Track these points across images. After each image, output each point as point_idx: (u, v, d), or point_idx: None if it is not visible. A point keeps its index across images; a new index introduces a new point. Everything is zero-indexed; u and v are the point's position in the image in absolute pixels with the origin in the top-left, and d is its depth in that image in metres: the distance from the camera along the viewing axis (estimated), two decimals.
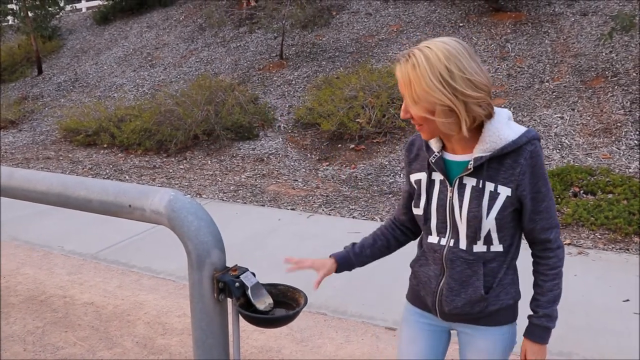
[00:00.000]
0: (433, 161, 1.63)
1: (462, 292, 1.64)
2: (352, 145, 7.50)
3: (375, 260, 1.93)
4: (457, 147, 1.61)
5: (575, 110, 6.87)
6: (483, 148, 1.54)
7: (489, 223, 1.57)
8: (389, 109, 7.57)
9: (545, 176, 1.57)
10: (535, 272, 1.68)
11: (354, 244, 1.90)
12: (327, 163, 7.27)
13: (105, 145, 8.97)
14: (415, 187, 1.71)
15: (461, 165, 1.60)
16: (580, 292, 3.75)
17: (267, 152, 7.82)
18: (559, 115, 6.87)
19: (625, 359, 3.04)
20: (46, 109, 11.34)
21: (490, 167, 1.55)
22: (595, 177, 5.55)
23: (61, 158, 8.73)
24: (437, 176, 1.65)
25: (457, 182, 1.60)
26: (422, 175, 1.69)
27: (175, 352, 3.25)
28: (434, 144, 1.65)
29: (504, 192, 1.55)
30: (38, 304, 3.90)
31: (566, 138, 6.44)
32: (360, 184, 6.52)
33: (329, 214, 5.66)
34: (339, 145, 7.61)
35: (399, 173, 6.62)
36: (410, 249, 1.98)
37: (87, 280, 4.30)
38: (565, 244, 4.60)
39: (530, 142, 1.53)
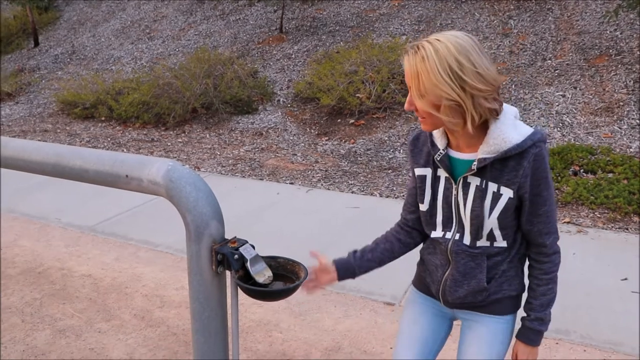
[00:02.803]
0: (438, 159, 1.61)
1: (465, 284, 1.65)
2: (352, 120, 7.44)
3: (382, 267, 1.87)
4: (463, 145, 1.58)
5: (578, 89, 6.81)
6: (487, 150, 1.51)
7: (491, 222, 1.57)
8: (390, 84, 7.50)
9: (548, 180, 1.53)
10: (530, 276, 1.67)
11: (355, 250, 1.87)
12: (327, 138, 7.23)
13: (103, 118, 8.89)
14: (419, 182, 1.69)
15: (466, 163, 1.58)
16: (579, 270, 3.75)
17: (266, 126, 7.76)
18: (560, 93, 6.81)
19: (623, 337, 3.04)
20: (43, 81, 11.23)
21: (494, 167, 1.53)
22: (595, 156, 5.52)
23: (58, 131, 8.67)
24: (443, 173, 1.64)
25: (461, 180, 1.58)
26: (427, 171, 1.67)
27: (173, 325, 3.25)
28: (439, 141, 1.62)
29: (507, 193, 1.54)
30: (36, 276, 3.89)
31: (567, 116, 6.40)
32: (359, 159, 6.48)
33: (328, 189, 5.64)
34: (339, 120, 7.56)
35: (399, 149, 6.58)
36: None
37: (85, 252, 4.29)
38: (565, 222, 4.59)
39: (536, 144, 1.49)
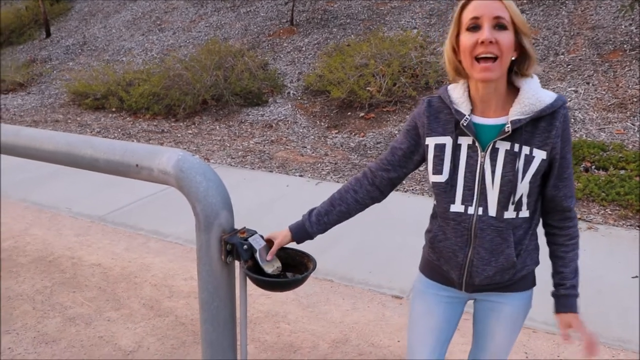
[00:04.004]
0: (465, 124, 1.54)
1: (493, 261, 1.60)
2: (362, 114, 7.42)
3: (337, 225, 1.78)
4: (490, 109, 1.54)
5: (590, 84, 6.75)
6: (521, 110, 1.49)
7: (523, 187, 1.52)
8: (400, 77, 7.47)
9: (571, 143, 1.54)
10: (553, 244, 1.64)
11: (311, 211, 1.77)
12: (337, 131, 7.22)
13: (113, 109, 8.93)
14: (434, 151, 1.61)
15: (493, 128, 1.54)
16: (589, 267, 3.73)
17: (276, 119, 7.76)
18: (573, 88, 6.76)
19: (633, 335, 3.03)
20: (54, 72, 11.28)
21: (525, 130, 1.51)
22: (607, 152, 5.48)
23: (69, 121, 8.71)
24: (465, 140, 1.57)
25: (490, 146, 1.52)
26: (446, 140, 1.59)
27: (182, 315, 3.27)
28: (464, 106, 1.56)
29: (539, 155, 1.51)
30: (47, 264, 3.92)
31: (579, 112, 6.35)
32: (369, 152, 6.47)
33: (337, 182, 5.63)
34: (349, 113, 7.54)
35: None
36: (427, 218, 1.93)
37: (95, 242, 4.31)
38: None
39: (563, 106, 1.50)
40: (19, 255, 4.06)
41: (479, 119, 1.55)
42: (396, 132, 6.86)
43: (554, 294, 1.67)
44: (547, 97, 1.50)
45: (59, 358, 2.86)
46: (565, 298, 1.64)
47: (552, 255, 1.66)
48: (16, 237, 4.38)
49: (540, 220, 1.68)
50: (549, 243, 1.66)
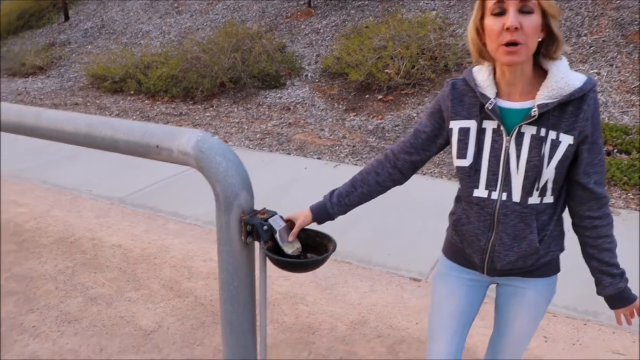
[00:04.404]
0: (490, 108, 1.51)
1: (516, 247, 1.58)
2: (380, 96, 7.37)
3: (358, 207, 1.79)
4: (516, 93, 1.51)
5: (614, 66, 6.62)
6: (549, 94, 1.45)
7: (548, 173, 1.49)
8: (419, 60, 7.39)
9: (601, 128, 1.49)
10: (597, 238, 1.59)
11: (332, 192, 1.77)
12: (354, 113, 7.18)
13: (132, 92, 8.97)
14: (458, 135, 1.58)
15: (519, 112, 1.51)
16: None
17: (293, 101, 7.74)
18: (595, 70, 6.64)
19: None
20: (73, 55, 11.34)
21: (552, 114, 1.47)
22: (630, 136, 5.38)
23: (89, 104, 8.77)
24: (490, 124, 1.54)
25: (515, 130, 1.49)
26: (471, 123, 1.56)
27: (201, 295, 3.29)
28: (489, 90, 1.53)
29: (566, 140, 1.47)
30: (68, 245, 3.97)
31: (602, 95, 6.24)
32: (387, 135, 6.43)
33: (355, 164, 5.62)
34: (367, 96, 7.49)
35: None
36: (446, 201, 1.91)
37: (115, 223, 4.36)
38: None
39: (593, 89, 1.46)
40: (41, 236, 4.12)
41: (504, 103, 1.52)
42: (414, 115, 6.81)
43: (614, 289, 1.61)
44: (576, 80, 1.45)
45: (81, 336, 2.90)
46: (624, 291, 1.62)
47: (597, 249, 1.60)
48: (38, 219, 4.44)
49: (574, 216, 1.63)
50: (588, 237, 1.60)
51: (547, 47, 1.47)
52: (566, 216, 1.64)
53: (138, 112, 8.04)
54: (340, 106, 7.43)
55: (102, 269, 3.62)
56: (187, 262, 3.71)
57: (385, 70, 7.34)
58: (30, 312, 3.13)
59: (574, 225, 1.63)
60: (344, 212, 1.75)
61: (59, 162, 5.93)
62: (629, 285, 1.64)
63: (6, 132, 1.73)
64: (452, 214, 1.75)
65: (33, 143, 6.56)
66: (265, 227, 1.38)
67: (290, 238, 1.51)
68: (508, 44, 1.39)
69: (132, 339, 2.89)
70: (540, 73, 1.51)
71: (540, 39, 1.43)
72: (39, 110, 1.69)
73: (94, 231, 4.21)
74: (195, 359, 2.73)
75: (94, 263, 3.70)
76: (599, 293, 1.66)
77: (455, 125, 1.60)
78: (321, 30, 9.29)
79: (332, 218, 1.74)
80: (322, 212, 1.73)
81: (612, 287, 1.61)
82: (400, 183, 1.77)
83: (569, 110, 1.46)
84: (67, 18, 13.16)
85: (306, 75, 8.33)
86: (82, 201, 4.84)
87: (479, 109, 1.55)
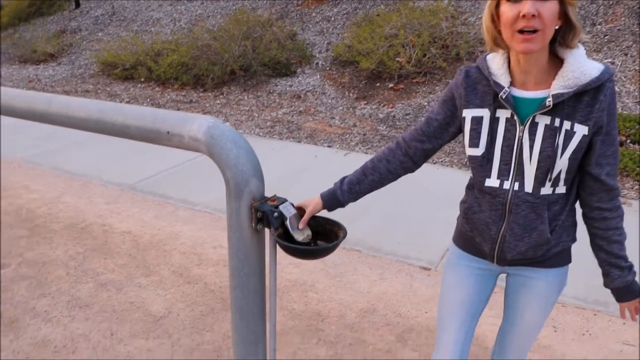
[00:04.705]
0: (504, 97, 1.49)
1: (526, 237, 1.57)
2: (391, 85, 7.34)
3: (369, 194, 1.77)
4: (531, 82, 1.48)
5: (629, 56, 6.54)
6: (564, 84, 1.42)
7: (562, 163, 1.47)
8: (430, 48, 7.34)
9: (616, 119, 1.46)
10: (607, 229, 1.57)
11: (343, 179, 1.76)
12: (365, 102, 7.15)
13: (142, 79, 8.98)
14: (470, 124, 1.57)
15: (533, 102, 1.48)
16: None
17: (304, 89, 7.72)
18: (609, 60, 6.56)
19: None
20: (84, 42, 11.36)
21: (567, 104, 1.44)
22: None
23: (99, 91, 8.79)
24: (503, 113, 1.52)
25: (529, 120, 1.47)
26: (484, 112, 1.54)
27: (211, 282, 3.31)
28: (503, 78, 1.50)
29: (581, 130, 1.44)
30: (78, 231, 3.99)
31: (616, 84, 6.17)
32: (398, 123, 6.41)
33: (366, 153, 5.60)
34: (378, 84, 7.46)
35: None
36: (456, 190, 1.90)
37: (125, 210, 4.38)
38: None
39: (610, 79, 1.43)
40: (52, 222, 4.14)
41: (518, 92, 1.50)
42: (425, 103, 6.78)
43: (622, 281, 1.60)
44: (593, 69, 1.42)
45: (92, 321, 2.93)
46: (636, 284, 1.60)
47: (606, 240, 1.58)
48: (49, 205, 4.47)
49: (584, 206, 1.61)
50: (597, 229, 1.58)
51: (563, 35, 1.44)
52: (577, 207, 1.63)
53: (148, 100, 8.05)
54: (351, 94, 7.40)
55: (112, 255, 3.64)
56: (197, 248, 3.73)
57: (397, 59, 7.29)
58: (42, 297, 3.16)
59: (583, 215, 1.62)
60: (355, 199, 1.75)
61: (70, 148, 5.95)
62: (637, 278, 1.63)
63: (18, 118, 1.74)
64: (463, 202, 1.74)
65: (42, 130, 6.60)
66: (275, 214, 1.38)
67: (301, 225, 1.51)
68: (524, 31, 1.36)
69: (142, 325, 2.91)
70: (556, 62, 1.48)
71: (557, 27, 1.41)
72: (50, 97, 1.69)
73: (105, 217, 4.23)
74: (204, 344, 2.75)
75: (104, 249, 3.72)
76: (606, 285, 1.65)
77: (468, 114, 1.58)
78: (332, 18, 9.24)
79: (342, 205, 1.74)
80: (333, 199, 1.73)
81: (620, 280, 1.60)
82: (412, 171, 1.76)
83: (584, 100, 1.43)
84: (77, 5, 13.18)
85: (317, 64, 8.30)
86: (93, 187, 4.87)
87: (493, 97, 1.53)
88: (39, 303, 3.10)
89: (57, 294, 3.20)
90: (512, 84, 1.51)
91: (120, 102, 8.03)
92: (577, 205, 1.64)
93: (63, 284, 3.29)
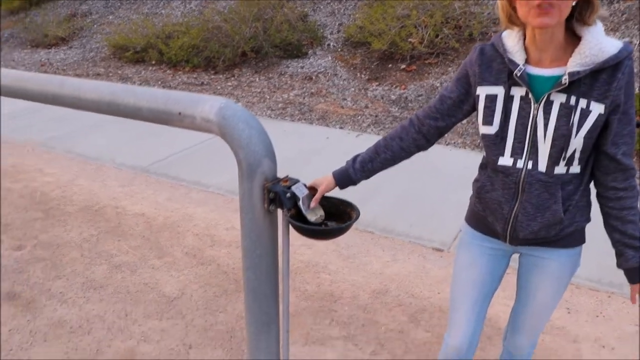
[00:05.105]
0: (519, 74, 1.47)
1: (539, 217, 1.55)
2: (403, 66, 7.28)
3: (381, 172, 1.75)
4: (546, 59, 1.45)
5: None
6: (581, 61, 1.39)
7: (576, 142, 1.45)
8: (443, 28, 7.26)
9: (634, 97, 1.43)
10: (622, 209, 1.54)
11: (355, 157, 1.75)
12: (377, 83, 7.11)
13: (153, 62, 8.97)
14: (484, 102, 1.55)
15: (548, 80, 1.46)
16: None
17: (315, 71, 7.68)
18: (627, 39, 6.45)
19: None
20: (95, 26, 11.35)
21: (583, 82, 1.41)
22: None
23: (111, 74, 8.80)
24: (518, 91, 1.50)
25: (544, 98, 1.45)
26: (498, 90, 1.52)
27: (223, 264, 3.33)
28: (518, 55, 1.48)
29: (597, 109, 1.42)
30: (92, 213, 4.02)
31: (634, 64, 6.07)
32: (410, 104, 6.37)
33: (378, 134, 5.58)
34: (390, 65, 7.40)
35: None
36: (469, 171, 1.88)
37: (138, 192, 4.40)
38: None
39: (629, 57, 1.39)
40: (66, 204, 4.18)
41: (533, 69, 1.48)
42: (438, 85, 6.72)
43: (636, 262, 1.57)
44: (611, 47, 1.39)
45: (106, 303, 2.96)
46: None
47: (621, 220, 1.55)
48: (63, 188, 4.50)
49: (598, 186, 1.58)
50: (612, 209, 1.55)
51: (581, 12, 1.41)
52: (592, 187, 1.61)
53: (160, 82, 8.05)
54: (363, 76, 7.36)
55: (125, 237, 3.67)
56: (210, 230, 3.74)
57: (409, 40, 7.22)
58: (57, 279, 3.19)
59: (598, 195, 1.59)
60: (367, 177, 1.74)
61: (83, 131, 5.98)
62: None
63: (31, 101, 1.75)
64: (476, 181, 1.73)
65: (55, 113, 6.62)
66: (288, 195, 1.37)
67: (312, 204, 1.51)
68: (540, 5, 1.33)
69: (156, 306, 2.94)
70: (573, 39, 1.45)
71: (574, 3, 1.37)
72: (62, 79, 1.69)
73: (118, 200, 4.25)
74: (218, 325, 2.77)
75: (117, 231, 3.75)
76: (619, 266, 1.63)
77: (482, 92, 1.56)
78: None
79: (354, 183, 1.73)
80: (345, 178, 1.72)
81: (634, 260, 1.58)
82: (425, 149, 1.75)
83: (601, 78, 1.40)
84: None
85: (328, 45, 8.24)
86: (106, 170, 4.89)
87: (507, 75, 1.51)
88: (54, 285, 3.13)
89: (71, 275, 3.23)
90: (527, 61, 1.49)
91: (132, 84, 8.03)
92: (592, 185, 1.62)
93: (78, 266, 3.33)
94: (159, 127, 5.90)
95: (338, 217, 1.56)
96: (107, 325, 2.78)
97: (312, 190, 1.62)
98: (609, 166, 1.51)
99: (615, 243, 1.60)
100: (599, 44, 1.39)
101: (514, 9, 1.44)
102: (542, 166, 1.50)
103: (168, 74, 8.47)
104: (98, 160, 5.13)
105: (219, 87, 7.62)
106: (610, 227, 1.59)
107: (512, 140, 1.53)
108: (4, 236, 3.67)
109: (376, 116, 6.08)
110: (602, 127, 1.47)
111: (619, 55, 1.38)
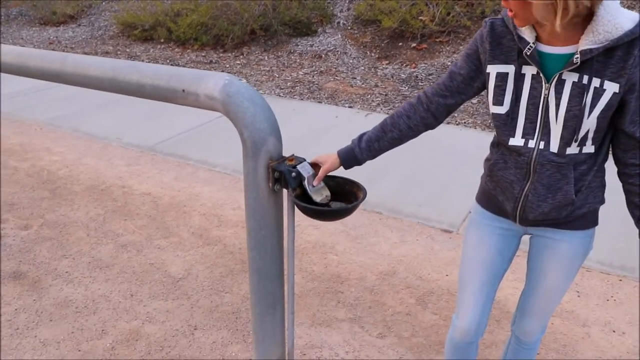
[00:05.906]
0: (528, 53, 1.41)
1: (550, 198, 1.50)
2: (414, 44, 7.17)
3: (388, 151, 1.69)
4: (556, 37, 1.38)
5: None
6: (594, 39, 1.31)
7: (589, 123, 1.39)
8: (454, 6, 7.14)
9: None
10: (636, 185, 1.47)
11: (361, 136, 1.69)
12: (387, 61, 7.02)
13: (162, 40, 8.90)
14: (495, 80, 1.49)
15: (560, 58, 1.39)
16: None
17: (325, 49, 7.59)
18: None
19: None
20: (103, 3, 11.27)
21: (596, 60, 1.34)
22: None
23: (119, 52, 8.75)
24: (529, 70, 1.43)
25: (556, 77, 1.39)
26: (509, 68, 1.47)
27: (230, 244, 3.30)
28: (528, 33, 1.41)
29: (611, 88, 1.35)
30: (99, 192, 4.01)
31: None
32: (420, 84, 6.28)
33: (387, 113, 5.51)
34: (400, 44, 7.30)
35: None
36: (479, 152, 1.83)
37: (145, 171, 4.38)
38: None
39: None
40: (73, 183, 4.16)
41: (544, 47, 1.41)
42: (449, 63, 6.62)
43: None
44: (627, 21, 1.30)
45: (112, 282, 2.95)
46: None
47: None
48: (70, 167, 4.48)
49: (618, 163, 1.51)
50: (632, 185, 1.49)
51: None
52: (609, 168, 1.56)
53: (168, 61, 8.00)
54: (373, 54, 7.26)
55: (132, 217, 3.65)
56: (217, 210, 3.72)
57: (420, 17, 7.11)
58: (64, 258, 3.18)
59: (618, 173, 1.53)
60: (373, 157, 1.69)
61: (90, 110, 5.95)
62: None
63: (33, 78, 1.71)
64: (487, 159, 1.68)
65: (62, 91, 6.60)
66: (293, 174, 1.33)
67: (316, 182, 1.46)
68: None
69: (161, 286, 2.93)
70: (586, 15, 1.38)
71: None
72: (64, 55, 1.65)
73: (124, 179, 4.23)
74: (223, 305, 2.75)
75: (124, 210, 3.73)
76: None
77: (492, 70, 1.50)
78: None
79: (359, 163, 1.68)
80: (350, 157, 1.67)
81: None
82: (433, 127, 1.70)
83: (616, 56, 1.33)
84: None
85: (338, 23, 8.14)
86: (113, 149, 4.87)
87: (518, 53, 1.45)
88: (60, 264, 3.13)
89: (77, 255, 3.22)
90: (538, 39, 1.42)
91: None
92: (607, 165, 1.56)
93: (84, 246, 3.31)
94: (166, 106, 5.86)
95: (344, 197, 1.52)
96: (112, 305, 2.77)
97: (315, 167, 1.57)
98: (627, 144, 1.45)
99: (637, 221, 1.54)
100: (613, 19, 1.30)
101: None
102: (555, 147, 1.45)
103: (176, 52, 8.41)
104: (104, 139, 5.11)
105: (227, 66, 7.55)
106: (631, 204, 1.53)
107: (523, 121, 1.48)
108: (10, 215, 3.66)
109: (386, 95, 6.01)
110: (618, 106, 1.40)
111: (635, 30, 1.30)
